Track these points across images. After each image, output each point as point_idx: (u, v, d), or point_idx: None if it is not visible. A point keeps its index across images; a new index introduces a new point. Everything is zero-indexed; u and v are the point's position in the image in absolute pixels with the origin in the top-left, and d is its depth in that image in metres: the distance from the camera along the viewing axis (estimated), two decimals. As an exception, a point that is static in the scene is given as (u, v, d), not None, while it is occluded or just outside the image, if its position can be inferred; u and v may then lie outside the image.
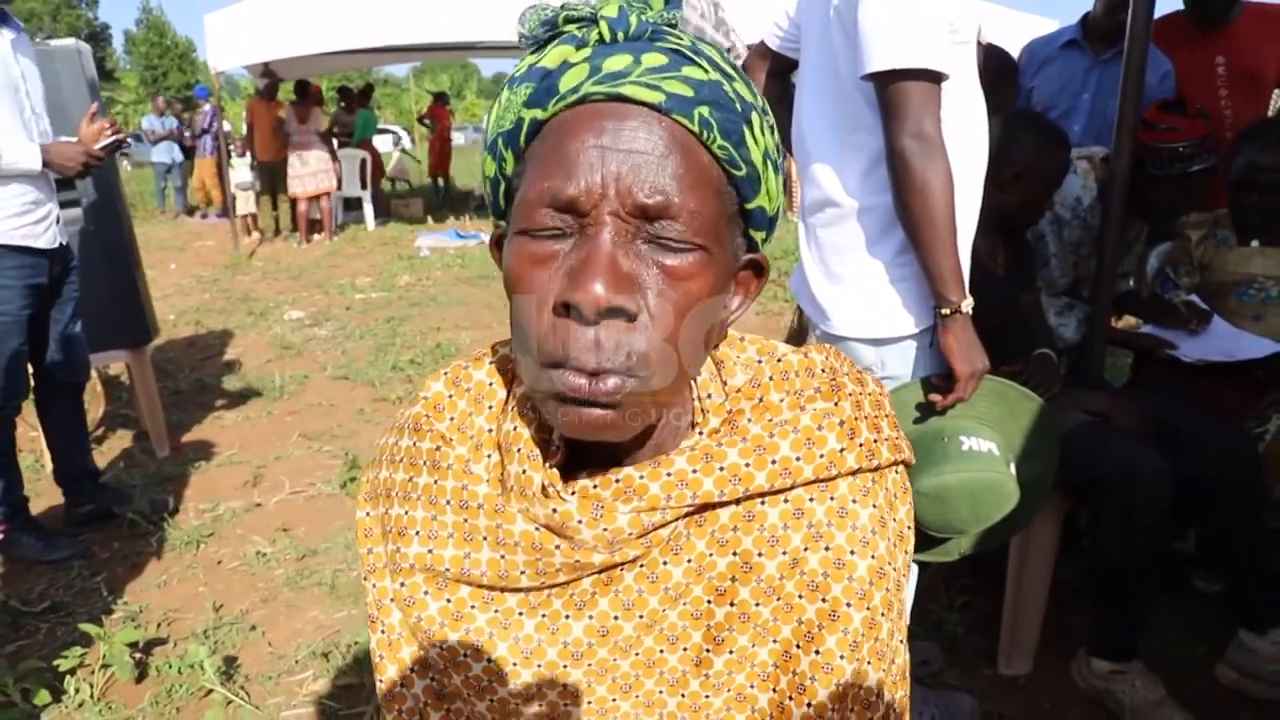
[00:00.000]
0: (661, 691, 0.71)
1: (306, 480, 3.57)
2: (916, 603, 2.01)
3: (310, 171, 9.65)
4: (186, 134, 13.06)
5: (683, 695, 0.71)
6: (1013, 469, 1.62)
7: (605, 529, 0.65)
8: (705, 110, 0.59)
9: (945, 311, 1.54)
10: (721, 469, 0.67)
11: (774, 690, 0.70)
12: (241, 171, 10.23)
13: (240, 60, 9.30)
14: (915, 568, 1.83)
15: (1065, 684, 2.16)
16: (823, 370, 0.73)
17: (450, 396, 0.77)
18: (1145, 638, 2.08)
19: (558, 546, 0.67)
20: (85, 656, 2.28)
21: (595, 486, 0.67)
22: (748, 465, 0.67)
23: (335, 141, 10.96)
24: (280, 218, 10.89)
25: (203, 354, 5.62)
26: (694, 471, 0.67)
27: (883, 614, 0.70)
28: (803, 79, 1.77)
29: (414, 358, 5.29)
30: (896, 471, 0.75)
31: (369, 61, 15.77)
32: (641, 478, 0.66)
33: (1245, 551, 2.09)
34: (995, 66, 2.57)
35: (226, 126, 12.06)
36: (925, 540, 1.68)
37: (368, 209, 11.09)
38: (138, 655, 2.34)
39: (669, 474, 0.66)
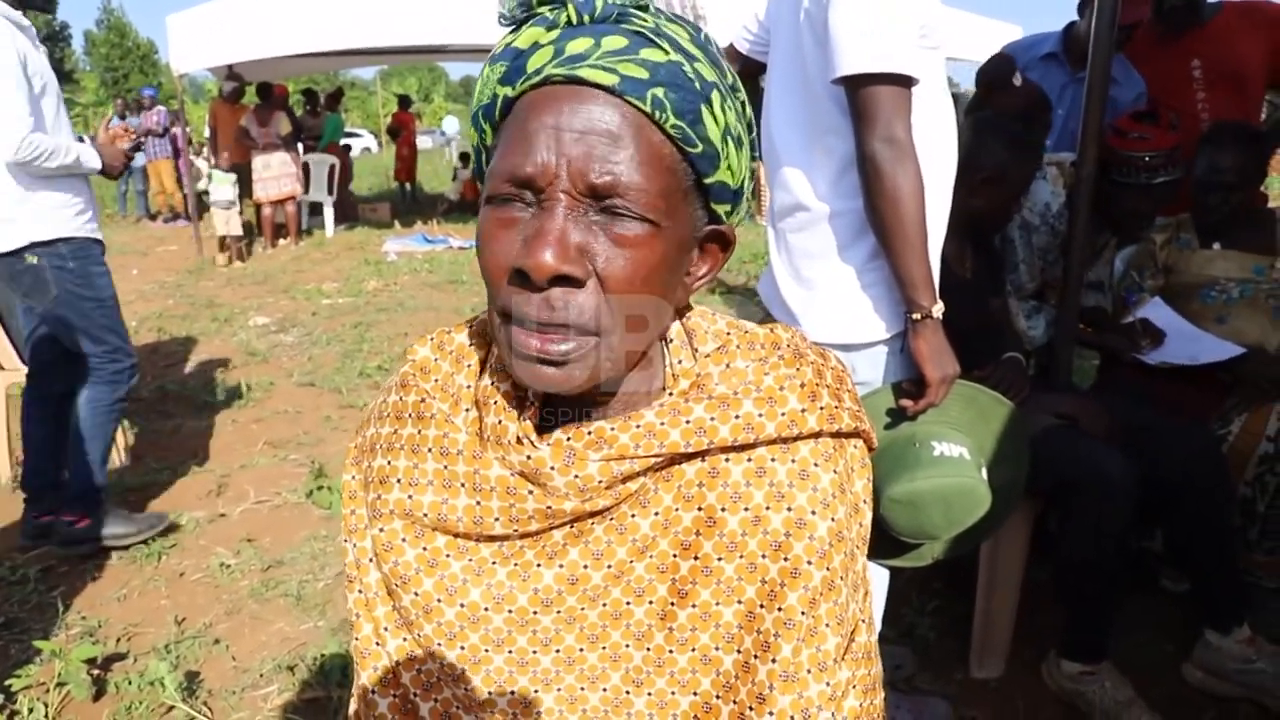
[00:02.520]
0: (628, 645, 0.73)
1: (272, 489, 3.51)
2: (888, 608, 2.00)
3: (273, 175, 9.50)
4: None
5: (648, 649, 0.73)
6: (984, 473, 1.62)
7: (576, 476, 0.69)
8: (660, 91, 0.62)
9: (916, 316, 1.54)
10: (688, 422, 0.70)
11: (738, 651, 0.72)
12: (223, 189, 8.86)
13: (203, 63, 9.18)
14: (885, 573, 1.83)
15: (1037, 686, 2.17)
16: (787, 345, 0.78)
17: (435, 360, 0.80)
18: (1114, 638, 2.10)
19: (531, 492, 0.70)
20: (40, 674, 2.21)
21: (569, 438, 0.70)
22: (712, 419, 0.70)
23: (301, 145, 10.82)
24: (246, 222, 10.71)
25: (166, 361, 5.51)
26: (661, 424, 0.70)
27: (841, 578, 0.73)
28: (771, 83, 1.76)
29: (381, 364, 5.22)
30: (856, 446, 0.79)
31: (335, 64, 15.62)
32: (612, 429, 0.70)
33: (1210, 551, 2.12)
34: (1032, 102, 2.55)
35: (188, 129, 11.86)
36: (898, 546, 1.68)
37: (328, 213, 10.96)
38: (95, 672, 2.27)
39: (638, 426, 0.70)
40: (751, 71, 1.93)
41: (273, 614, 2.62)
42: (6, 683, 2.16)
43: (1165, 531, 2.34)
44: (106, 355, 2.88)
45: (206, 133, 11.19)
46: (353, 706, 0.84)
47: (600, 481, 0.69)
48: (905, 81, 1.46)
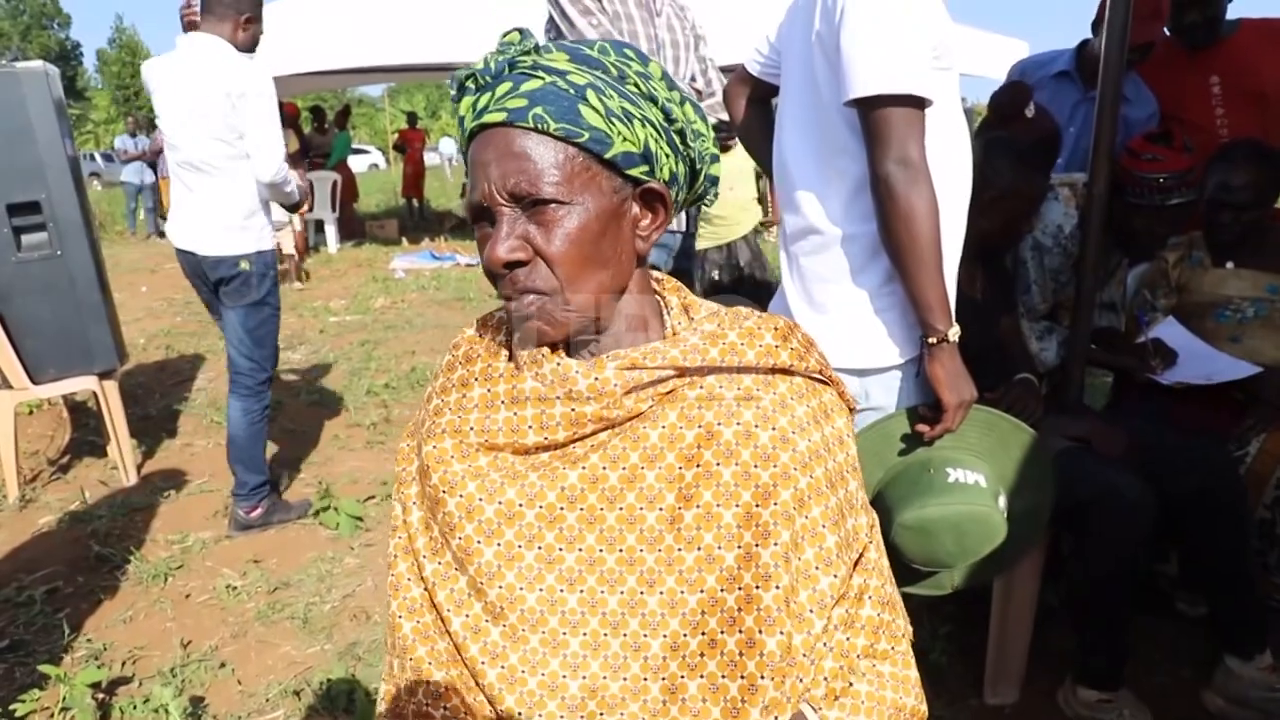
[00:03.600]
0: (641, 549, 0.85)
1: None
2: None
3: (281, 192, 9.52)
4: (145, 150, 12.86)
5: (659, 551, 0.85)
6: (1002, 502, 1.60)
7: (596, 378, 0.86)
8: (539, 110, 0.82)
9: (932, 340, 1.52)
10: (685, 345, 0.89)
11: (739, 546, 0.84)
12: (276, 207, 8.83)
13: (213, 81, 9.21)
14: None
15: (1053, 712, 2.14)
16: (765, 315, 0.96)
17: (479, 334, 1.00)
18: (1129, 663, 2.07)
19: (558, 398, 0.87)
20: (45, 699, 2.20)
21: (591, 360, 0.90)
22: (704, 344, 0.90)
23: (309, 163, 10.86)
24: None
25: (173, 379, 5.52)
26: (664, 346, 0.89)
27: (828, 486, 0.89)
28: (784, 105, 1.75)
29: (389, 382, 5.21)
30: (830, 394, 0.97)
31: (343, 82, 15.69)
32: (625, 351, 0.89)
33: (1229, 575, 2.08)
34: (1043, 135, 2.53)
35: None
36: (914, 573, 1.65)
37: (330, 231, 10.99)
38: (100, 696, 2.26)
39: (647, 347, 0.89)
40: (763, 94, 1.92)
41: (279, 637, 2.60)
42: (11, 707, 2.14)
43: (1181, 554, 2.31)
44: (258, 365, 3.25)
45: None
46: (387, 648, 0.97)
47: (616, 385, 0.86)
48: (918, 103, 1.45)
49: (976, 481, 1.56)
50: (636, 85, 0.87)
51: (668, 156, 0.89)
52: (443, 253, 10.37)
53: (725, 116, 2.40)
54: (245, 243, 3.10)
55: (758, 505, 0.84)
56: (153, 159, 12.66)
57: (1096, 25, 2.97)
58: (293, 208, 3.43)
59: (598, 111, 0.83)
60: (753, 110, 1.96)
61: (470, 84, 0.86)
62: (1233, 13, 2.91)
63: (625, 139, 0.85)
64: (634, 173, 0.87)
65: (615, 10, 2.44)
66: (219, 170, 3.02)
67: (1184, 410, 2.39)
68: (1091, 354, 2.42)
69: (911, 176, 1.44)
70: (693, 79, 2.60)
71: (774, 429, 0.87)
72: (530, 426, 0.88)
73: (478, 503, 0.89)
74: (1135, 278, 2.63)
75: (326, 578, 2.93)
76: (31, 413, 4.58)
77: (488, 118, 0.83)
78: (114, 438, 3.74)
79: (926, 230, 1.45)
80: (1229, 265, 2.45)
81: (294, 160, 9.50)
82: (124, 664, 2.48)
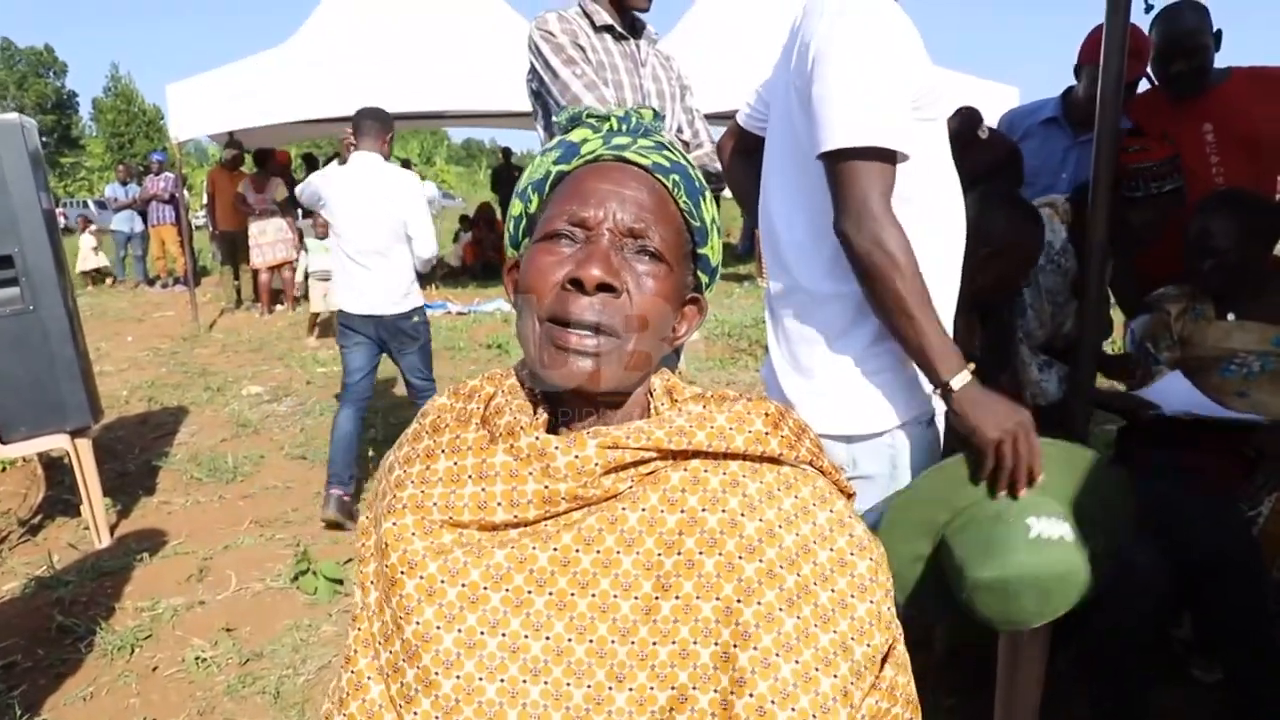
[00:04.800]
0: (613, 640, 0.79)
1: (255, 573, 3.37)
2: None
3: (269, 241, 9.48)
4: (136, 198, 12.81)
5: (632, 643, 0.79)
6: (1087, 551, 1.41)
7: (576, 456, 0.81)
8: (676, 177, 0.89)
9: (939, 392, 1.41)
10: (671, 426, 0.85)
11: (716, 644, 0.78)
12: (324, 257, 7.82)
13: (203, 130, 9.23)
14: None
15: (1065, 791, 2.02)
16: (755, 398, 0.93)
17: (451, 403, 0.94)
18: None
19: (531, 474, 0.82)
20: (-7, 789, 2.06)
21: (571, 435, 0.85)
22: (691, 426, 0.85)
23: (300, 212, 10.84)
24: (242, 288, 10.68)
25: (155, 433, 5.40)
26: (649, 426, 0.84)
27: (815, 584, 0.81)
28: (768, 160, 1.68)
29: (374, 436, 5.10)
30: (823, 481, 0.90)
31: (337, 130, 15.75)
32: (607, 428, 0.85)
33: (1245, 641, 1.98)
34: (1003, 154, 2.53)
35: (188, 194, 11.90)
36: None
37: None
38: (53, 784, 2.12)
39: (631, 427, 0.85)
40: (754, 146, 1.84)
41: (248, 714, 2.47)
42: (-45, 801, 2.01)
43: (1195, 618, 2.20)
44: (430, 385, 4.12)
45: (205, 199, 11.23)
46: None
47: (596, 464, 0.81)
48: (888, 156, 1.37)
49: (1061, 536, 1.38)
50: (716, 205, 0.94)
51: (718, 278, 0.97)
52: (433, 301, 10.31)
53: (713, 168, 2.35)
54: (414, 300, 4.05)
55: (739, 600, 0.79)
56: (142, 208, 12.62)
57: (1079, 70, 2.97)
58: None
59: (707, 212, 0.91)
60: (737, 162, 1.89)
61: (592, 121, 0.91)
62: (1221, 60, 2.90)
63: (712, 247, 0.94)
64: (701, 276, 0.95)
65: (600, 60, 2.39)
66: (392, 251, 3.91)
67: (1193, 462, 2.31)
68: (1092, 393, 2.34)
69: (872, 230, 1.35)
70: (679, 130, 2.54)
71: (760, 520, 0.82)
72: (499, 503, 0.83)
73: (439, 585, 0.83)
74: (1139, 327, 2.55)
75: (301, 647, 2.80)
76: (4, 470, 4.44)
77: (629, 155, 0.88)
78: (86, 498, 3.62)
79: (901, 280, 1.35)
80: (1230, 317, 2.38)
81: (283, 208, 9.48)
82: (81, 747, 2.34)
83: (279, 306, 10.15)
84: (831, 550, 0.83)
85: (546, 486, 0.81)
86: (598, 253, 0.82)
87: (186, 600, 3.16)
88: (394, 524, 0.86)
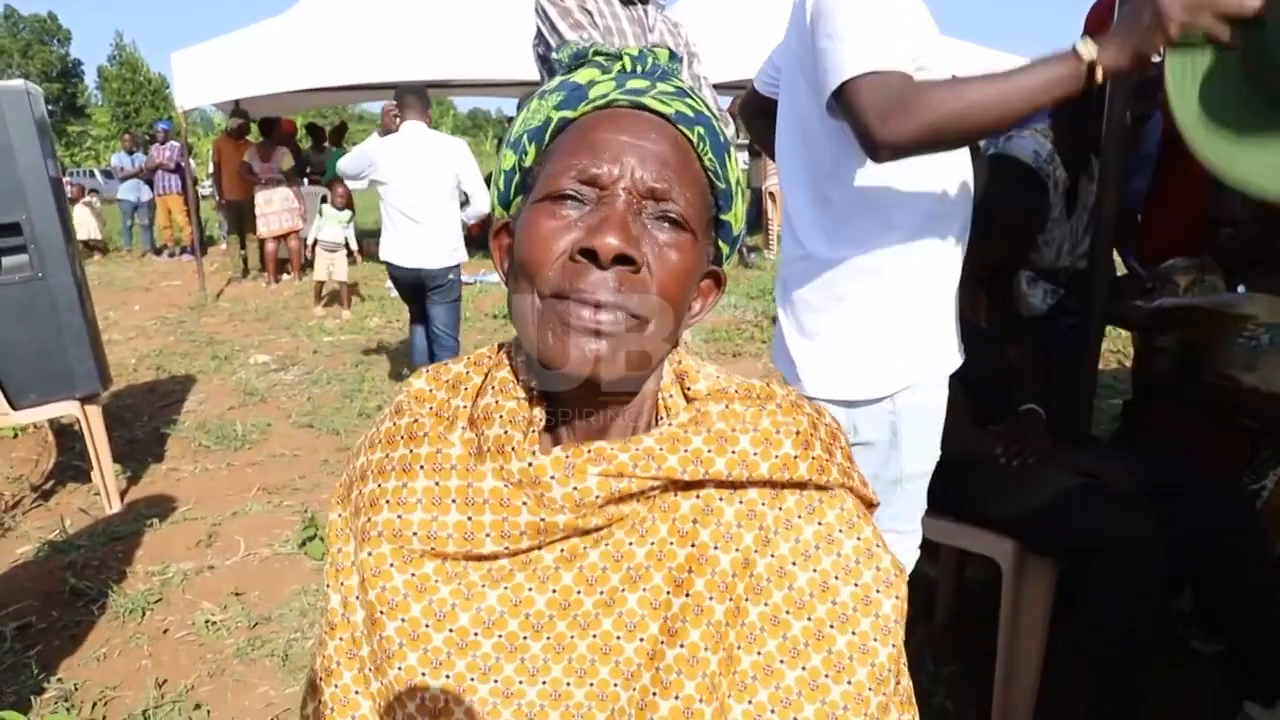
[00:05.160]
0: (616, 684, 0.72)
1: (263, 539, 3.40)
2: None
3: (275, 210, 9.45)
4: (142, 167, 12.77)
5: (634, 690, 0.72)
6: None
7: (575, 487, 0.70)
8: (702, 129, 0.74)
9: (1094, 55, 1.20)
10: (686, 451, 0.73)
11: (717, 699, 0.71)
12: (333, 229, 7.96)
13: (208, 98, 9.18)
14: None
15: (1063, 760, 2.04)
16: (783, 397, 0.80)
17: (431, 390, 0.82)
18: (1143, 708, 1.97)
19: (524, 504, 0.71)
20: (9, 746, 2.10)
21: (569, 455, 0.72)
22: (709, 451, 0.73)
23: (306, 180, 10.82)
24: (248, 257, 10.68)
25: (162, 401, 5.43)
26: (660, 449, 0.73)
27: (831, 626, 0.72)
28: (779, 128, 1.68)
29: (382, 404, 5.13)
30: (847, 503, 0.77)
31: (343, 99, 15.67)
32: (612, 449, 0.72)
33: (1249, 616, 1.99)
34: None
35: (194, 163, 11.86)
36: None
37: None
38: (68, 742, 2.16)
39: (638, 449, 0.72)
40: (770, 109, 1.82)
41: (257, 676, 2.50)
42: (-28, 756, 2.05)
43: (1196, 592, 2.21)
44: (453, 341, 4.67)
45: (211, 168, 11.19)
46: None
47: (597, 496, 0.71)
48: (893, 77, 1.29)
49: None
50: (740, 166, 0.79)
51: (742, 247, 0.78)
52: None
53: (723, 136, 2.34)
54: (455, 257, 4.57)
55: (740, 647, 0.72)
56: (148, 176, 12.59)
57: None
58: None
59: (732, 170, 0.77)
60: (764, 123, 1.87)
61: (601, 59, 0.75)
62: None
63: (735, 213, 0.79)
64: (723, 246, 0.80)
65: (607, 25, 2.38)
66: (442, 209, 4.45)
67: (1196, 438, 2.31)
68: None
69: (903, 118, 1.24)
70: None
71: (772, 556, 0.73)
72: (488, 534, 0.72)
73: (423, 629, 0.74)
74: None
75: (309, 612, 2.83)
76: (16, 436, 4.49)
77: (648, 100, 0.72)
78: (96, 464, 3.65)
79: (961, 103, 1.23)
80: (1240, 289, 2.37)
81: (289, 178, 9.45)
82: (95, 705, 2.38)
83: (285, 276, 10.16)
84: (856, 586, 0.73)
85: (542, 519, 0.71)
86: (614, 217, 0.68)
87: (196, 565, 3.20)
88: (369, 554, 0.76)
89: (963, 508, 2.09)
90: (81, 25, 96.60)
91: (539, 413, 0.77)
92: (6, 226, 3.31)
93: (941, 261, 1.55)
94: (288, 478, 4.07)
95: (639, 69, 0.75)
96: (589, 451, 0.72)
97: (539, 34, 2.38)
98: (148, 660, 2.60)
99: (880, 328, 1.52)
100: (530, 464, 0.71)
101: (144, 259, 12.90)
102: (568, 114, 0.73)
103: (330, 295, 8.31)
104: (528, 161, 0.75)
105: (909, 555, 1.72)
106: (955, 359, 1.62)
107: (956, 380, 1.99)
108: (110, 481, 3.70)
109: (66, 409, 3.56)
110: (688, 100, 0.74)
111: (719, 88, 3.12)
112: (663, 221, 0.71)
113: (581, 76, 0.74)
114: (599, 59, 0.75)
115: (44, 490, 3.95)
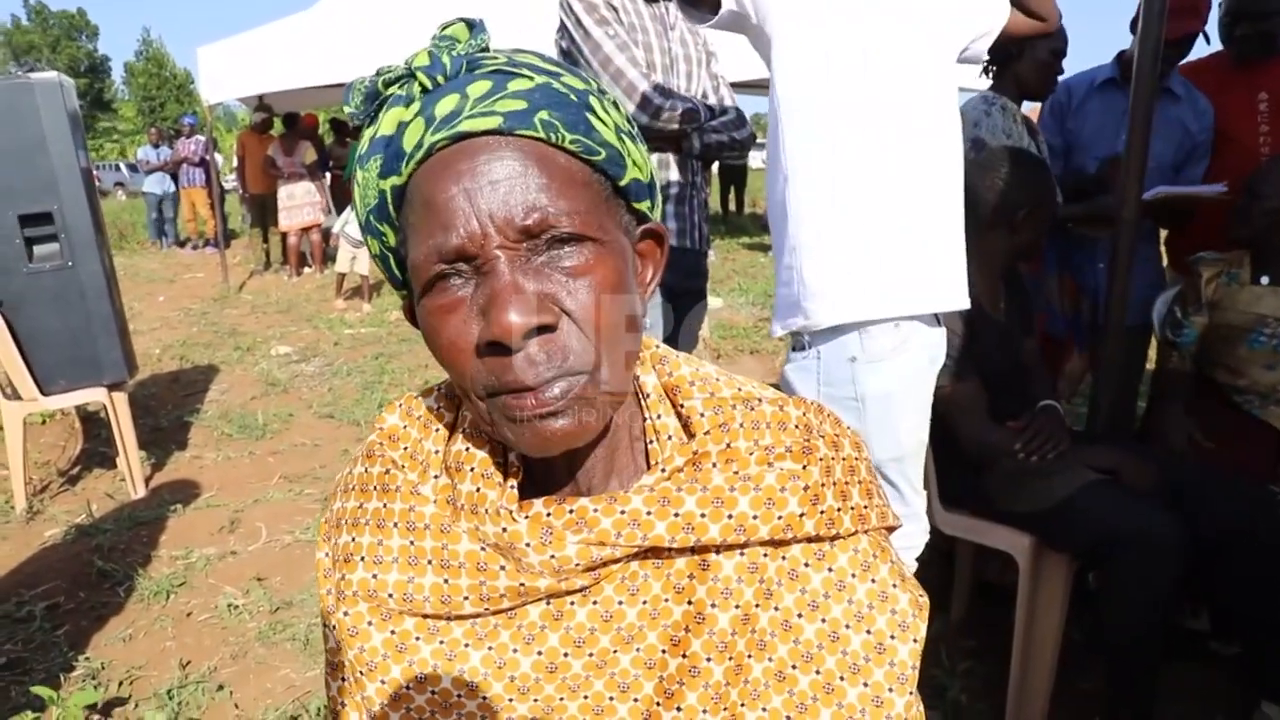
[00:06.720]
0: None
1: (285, 526, 3.45)
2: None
3: (297, 204, 9.55)
4: (167, 160, 12.92)
5: None
6: None
7: (553, 556, 0.65)
8: (544, 114, 0.60)
9: None
10: (676, 515, 0.66)
11: None
12: (352, 224, 7.75)
13: (233, 93, 9.27)
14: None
15: (1077, 756, 2.05)
16: (796, 426, 0.71)
17: (404, 427, 0.77)
18: (1159, 707, 1.97)
19: (503, 568, 0.67)
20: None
21: (548, 515, 0.66)
22: (703, 516, 0.66)
23: (329, 175, 10.90)
24: (271, 250, 10.80)
25: (186, 390, 5.51)
26: (648, 513, 0.66)
27: (842, 678, 0.67)
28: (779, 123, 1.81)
29: (401, 396, 5.17)
30: (862, 544, 0.71)
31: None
32: (595, 511, 0.66)
33: (1266, 615, 1.98)
34: None
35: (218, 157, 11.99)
36: None
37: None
38: (95, 718, 2.21)
39: (623, 511, 0.66)
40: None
41: (279, 659, 2.55)
42: (3, 730, 2.10)
43: (1215, 594, 2.20)
44: None
45: (235, 162, 11.31)
46: None
47: (577, 564, 0.66)
48: None
49: None
50: (616, 106, 0.67)
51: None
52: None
53: (738, 135, 2.36)
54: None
55: (743, 705, 0.67)
56: (174, 169, 12.75)
57: (1135, 24, 2.94)
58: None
59: (606, 125, 0.63)
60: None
61: (396, 89, 0.62)
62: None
63: (635, 164, 0.66)
64: (640, 206, 0.69)
65: (631, 22, 2.39)
66: None
67: (1217, 440, 2.30)
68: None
69: None
70: (704, 95, 2.54)
71: (776, 609, 0.68)
72: (466, 597, 0.68)
73: (405, 691, 0.70)
74: (1164, 301, 2.54)
75: (330, 598, 2.87)
76: (44, 422, 4.57)
77: (465, 125, 0.59)
78: (122, 450, 3.72)
79: None
80: (1264, 280, 2.36)
81: (311, 172, 9.54)
82: (121, 684, 2.42)
83: (307, 269, 10.25)
84: (869, 633, 0.68)
85: (522, 584, 0.67)
86: (501, 292, 0.58)
87: (219, 550, 3.25)
88: (345, 614, 0.72)
89: (980, 502, 2.10)
90: (109, 21, 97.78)
91: (513, 458, 0.71)
92: (39, 216, 3.37)
93: (950, 200, 1.68)
94: (309, 467, 4.12)
95: (440, 78, 0.61)
96: (570, 511, 0.66)
97: (562, 27, 2.40)
98: (172, 641, 2.65)
99: (788, 274, 1.70)
100: (505, 529, 0.66)
101: (169, 251, 13.05)
102: (396, 181, 0.62)
103: (351, 289, 8.38)
104: (391, 242, 0.66)
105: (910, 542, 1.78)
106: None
107: (976, 374, 2.01)
108: (136, 468, 3.76)
109: (94, 396, 3.62)
110: (512, 85, 0.60)
111: (736, 87, 3.13)
112: (556, 249, 0.61)
113: (388, 125, 0.62)
114: (393, 91, 0.63)
115: (71, 475, 4.02)
